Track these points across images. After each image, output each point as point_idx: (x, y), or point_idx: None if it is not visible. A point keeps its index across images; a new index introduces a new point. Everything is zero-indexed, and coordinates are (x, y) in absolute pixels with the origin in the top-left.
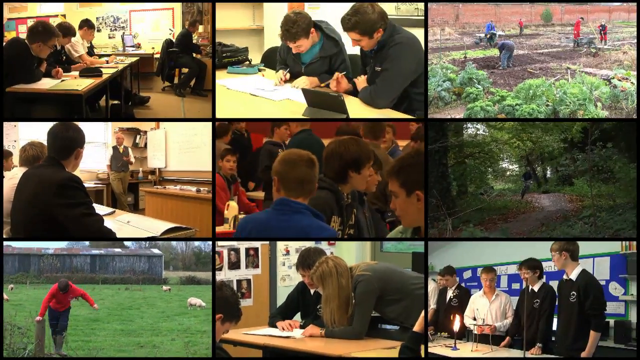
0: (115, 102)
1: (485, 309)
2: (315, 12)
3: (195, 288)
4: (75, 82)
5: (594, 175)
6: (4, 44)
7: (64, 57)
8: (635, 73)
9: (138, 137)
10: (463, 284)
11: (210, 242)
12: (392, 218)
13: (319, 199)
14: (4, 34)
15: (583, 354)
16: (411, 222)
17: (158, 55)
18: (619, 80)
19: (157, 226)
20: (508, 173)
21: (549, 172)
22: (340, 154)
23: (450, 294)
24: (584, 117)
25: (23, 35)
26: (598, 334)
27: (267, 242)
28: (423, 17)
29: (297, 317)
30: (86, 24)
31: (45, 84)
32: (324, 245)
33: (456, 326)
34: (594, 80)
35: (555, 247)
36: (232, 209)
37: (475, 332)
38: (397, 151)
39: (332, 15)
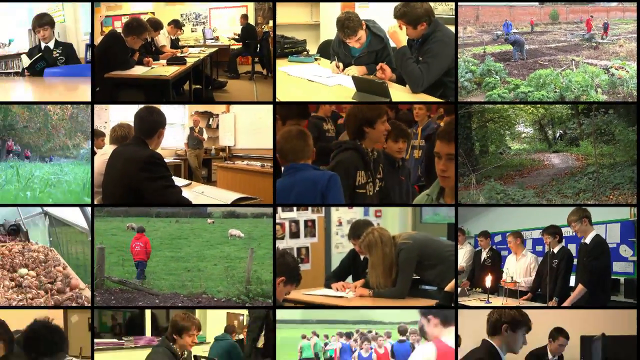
0: (197, 86)
1: (514, 267)
2: (365, 10)
3: (235, 221)
4: (163, 69)
5: (597, 137)
6: (103, 36)
7: (154, 48)
8: (629, 63)
9: (211, 119)
10: (494, 247)
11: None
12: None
13: (345, 159)
14: (94, 30)
15: (564, 303)
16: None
17: (234, 46)
18: (616, 69)
19: (227, 196)
20: (523, 135)
21: (558, 134)
22: (355, 114)
23: (484, 255)
24: (587, 101)
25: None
26: (584, 289)
27: (323, 215)
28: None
29: (349, 279)
30: (174, 23)
31: (138, 70)
32: (371, 217)
33: (488, 283)
34: (594, 69)
35: (574, 217)
36: None
37: (502, 285)
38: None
39: (381, 13)
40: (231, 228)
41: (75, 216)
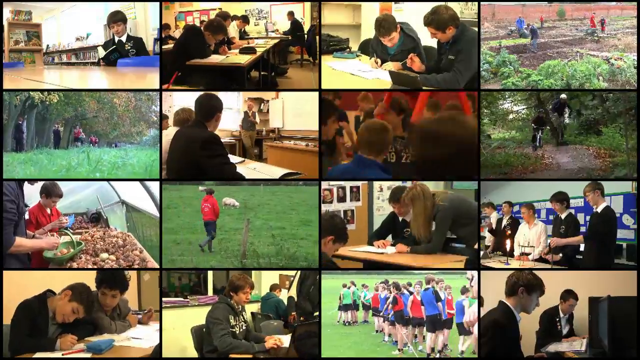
0: (264, 73)
1: (527, 234)
2: (400, 13)
3: (230, 189)
4: (237, 58)
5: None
6: (184, 29)
7: (225, 39)
8: (627, 54)
9: (262, 104)
10: (513, 215)
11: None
12: None
13: None
14: (162, 27)
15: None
16: None
17: (289, 38)
18: (615, 60)
19: (275, 171)
20: (511, 116)
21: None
22: None
23: (505, 222)
24: (589, 88)
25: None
26: (582, 240)
27: (366, 182)
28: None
29: (389, 238)
30: (242, 18)
31: (216, 59)
32: (408, 184)
33: (508, 247)
34: (596, 60)
35: (589, 188)
36: None
37: (516, 260)
38: None
39: (414, 15)
40: (225, 196)
41: (147, 204)
